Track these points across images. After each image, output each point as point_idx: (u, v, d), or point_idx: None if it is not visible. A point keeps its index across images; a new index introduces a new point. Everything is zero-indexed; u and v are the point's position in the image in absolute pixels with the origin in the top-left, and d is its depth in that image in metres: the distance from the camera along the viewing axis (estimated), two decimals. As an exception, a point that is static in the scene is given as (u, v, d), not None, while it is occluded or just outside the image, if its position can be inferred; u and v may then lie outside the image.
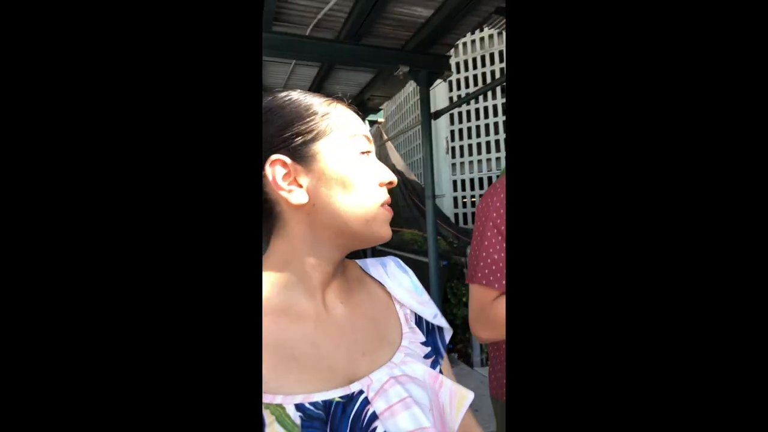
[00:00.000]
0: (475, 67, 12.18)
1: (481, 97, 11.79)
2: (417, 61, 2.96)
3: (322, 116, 0.46)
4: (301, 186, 0.44)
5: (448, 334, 0.56)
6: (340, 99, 0.51)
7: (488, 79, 9.92)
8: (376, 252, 4.29)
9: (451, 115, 12.71)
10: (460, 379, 0.52)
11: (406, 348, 0.49)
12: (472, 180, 12.57)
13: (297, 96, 0.48)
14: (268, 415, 0.37)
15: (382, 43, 2.92)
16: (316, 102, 0.48)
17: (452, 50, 3.34)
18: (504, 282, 0.77)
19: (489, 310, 0.79)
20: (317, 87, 3.67)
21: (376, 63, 2.94)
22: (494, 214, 0.79)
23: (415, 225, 4.96)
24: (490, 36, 8.91)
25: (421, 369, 0.47)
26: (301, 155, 0.45)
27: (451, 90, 12.72)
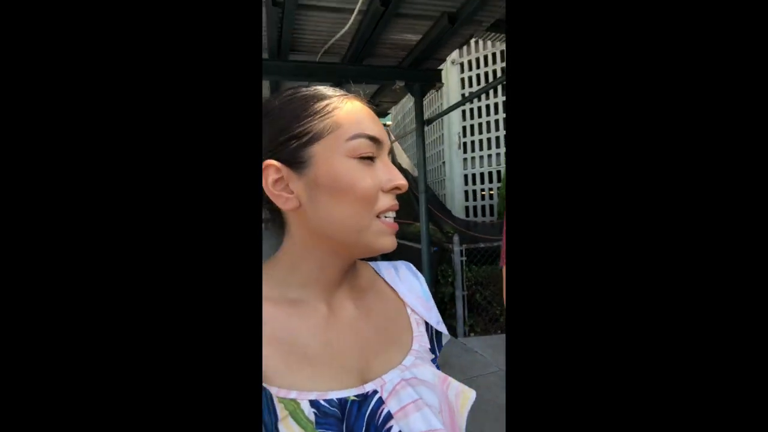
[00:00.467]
0: (486, 65, 12.41)
1: (491, 93, 12.04)
2: (410, 77, 3.50)
3: (322, 116, 0.43)
4: (292, 192, 0.43)
5: (444, 340, 0.56)
6: (352, 94, 0.47)
7: (499, 75, 10.22)
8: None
9: (463, 112, 13.01)
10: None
11: (417, 351, 0.49)
12: (482, 174, 12.89)
13: (300, 94, 0.45)
14: (281, 410, 0.37)
15: (382, 62, 3.47)
16: (318, 100, 0.44)
17: (443, 64, 3.85)
18: None
19: None
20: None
21: (376, 80, 3.50)
22: None
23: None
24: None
25: (431, 372, 0.47)
26: (294, 160, 0.43)
27: (463, 87, 13.02)
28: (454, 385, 0.47)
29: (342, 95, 0.46)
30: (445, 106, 11.43)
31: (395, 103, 5.11)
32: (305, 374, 0.40)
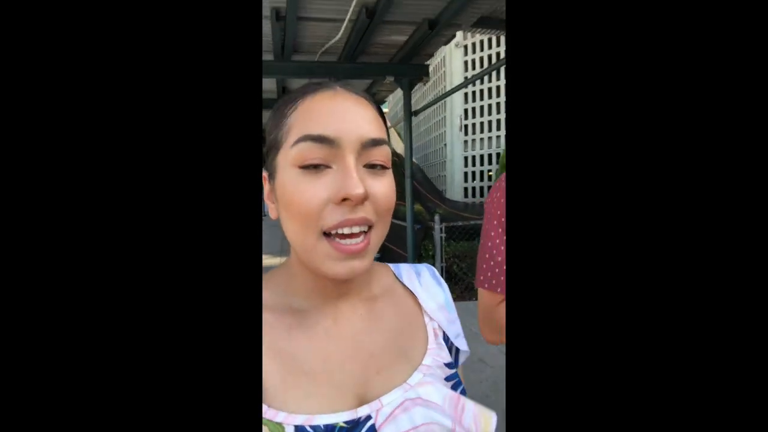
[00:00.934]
0: (490, 47, 12.54)
1: (494, 76, 12.23)
2: (399, 72, 3.95)
3: (282, 121, 0.40)
4: (274, 203, 0.41)
5: (463, 356, 0.51)
6: (323, 84, 0.41)
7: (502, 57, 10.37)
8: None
9: (465, 95, 13.24)
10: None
11: (427, 367, 0.44)
12: (482, 156, 13.22)
13: (281, 100, 0.42)
14: (266, 431, 0.36)
15: (374, 59, 3.92)
16: (285, 103, 0.41)
17: (430, 59, 4.28)
18: None
19: (494, 314, 0.77)
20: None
21: (369, 75, 3.96)
22: (499, 212, 0.76)
23: (416, 199, 6.03)
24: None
25: (440, 393, 0.42)
26: (270, 171, 0.41)
27: (466, 70, 13.22)
28: (470, 406, 0.42)
29: (304, 92, 0.41)
30: (448, 89, 11.70)
31: (392, 91, 5.55)
32: (298, 393, 0.38)
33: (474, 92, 12.73)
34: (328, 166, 0.37)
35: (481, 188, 12.45)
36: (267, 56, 3.69)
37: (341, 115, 0.38)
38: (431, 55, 4.13)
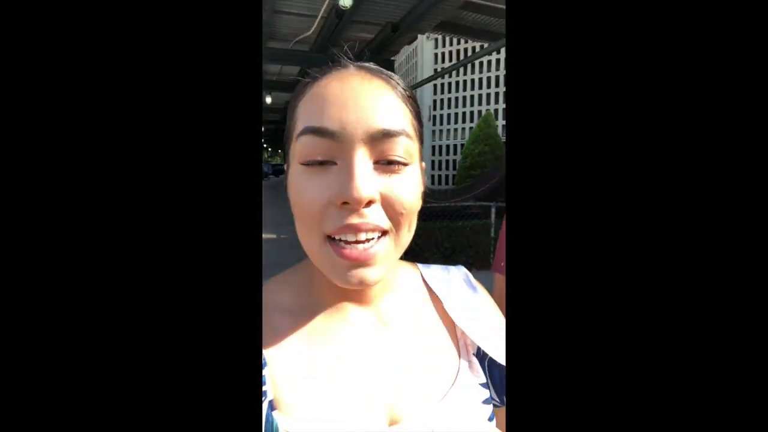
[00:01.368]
0: (459, 42, 13.03)
1: (461, 71, 12.78)
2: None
3: (296, 107, 0.36)
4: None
5: (499, 372, 0.42)
6: (335, 63, 0.37)
7: (472, 53, 10.93)
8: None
9: (435, 86, 13.74)
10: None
11: (460, 389, 0.39)
12: (448, 146, 13.84)
13: (301, 81, 0.37)
14: None
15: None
16: (298, 92, 0.37)
17: (395, 55, 4.74)
18: None
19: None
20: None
21: (338, 66, 4.40)
22: None
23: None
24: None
25: (474, 424, 0.38)
26: (287, 163, 0.37)
27: (436, 62, 13.72)
28: None
29: (316, 74, 0.36)
30: (419, 79, 12.17)
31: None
32: (322, 406, 0.35)
33: (443, 84, 13.31)
34: (333, 162, 0.33)
35: (447, 176, 13.17)
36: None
37: (348, 102, 0.33)
38: (397, 52, 4.59)
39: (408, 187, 0.34)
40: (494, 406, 0.41)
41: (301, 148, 0.34)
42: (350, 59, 0.37)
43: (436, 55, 12.89)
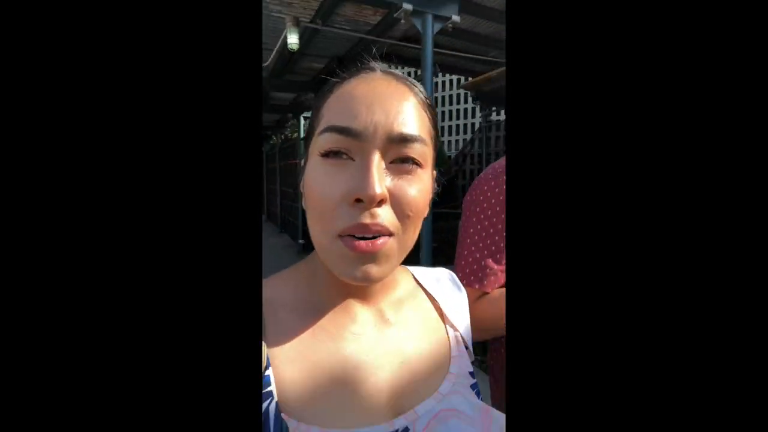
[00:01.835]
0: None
1: (439, 86, 13.47)
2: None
3: (322, 104, 0.38)
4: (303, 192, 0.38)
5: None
6: (368, 67, 0.39)
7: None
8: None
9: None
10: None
11: (455, 376, 0.42)
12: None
13: (330, 81, 0.39)
14: None
15: (299, 78, 4.88)
16: (325, 90, 0.39)
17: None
18: (486, 281, 0.71)
19: (471, 311, 0.73)
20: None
21: (293, 91, 4.91)
22: (478, 209, 0.74)
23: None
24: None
25: (471, 403, 0.41)
26: (304, 158, 0.39)
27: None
28: (497, 416, 0.40)
29: (344, 75, 0.38)
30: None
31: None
32: (331, 405, 0.36)
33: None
34: (351, 158, 0.34)
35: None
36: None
37: (372, 104, 0.35)
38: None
39: (419, 189, 0.36)
40: (479, 393, 0.44)
41: (322, 142, 0.35)
42: (378, 64, 0.39)
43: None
